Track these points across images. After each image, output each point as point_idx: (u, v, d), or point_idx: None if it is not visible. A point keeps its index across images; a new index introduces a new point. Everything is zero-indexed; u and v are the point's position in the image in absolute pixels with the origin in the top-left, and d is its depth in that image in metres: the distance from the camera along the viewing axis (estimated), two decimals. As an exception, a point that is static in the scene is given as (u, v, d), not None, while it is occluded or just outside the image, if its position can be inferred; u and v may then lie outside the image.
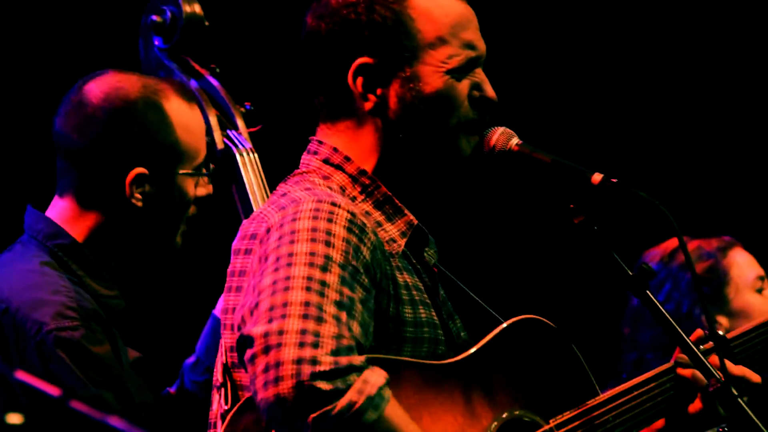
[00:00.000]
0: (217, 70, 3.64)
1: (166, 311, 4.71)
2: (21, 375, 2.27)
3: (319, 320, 2.39)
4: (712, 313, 4.02)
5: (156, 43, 3.60)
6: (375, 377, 2.39)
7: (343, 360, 2.36)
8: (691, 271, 3.97)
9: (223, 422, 2.58)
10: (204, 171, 3.22)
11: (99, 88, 3.16)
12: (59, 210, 3.19)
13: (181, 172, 3.18)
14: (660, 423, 2.86)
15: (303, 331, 2.37)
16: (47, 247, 3.12)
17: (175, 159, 3.17)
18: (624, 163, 5.29)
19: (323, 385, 2.34)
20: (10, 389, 2.53)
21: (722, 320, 4.03)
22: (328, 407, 2.34)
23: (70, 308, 3.00)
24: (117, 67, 3.28)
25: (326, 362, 2.35)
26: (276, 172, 3.02)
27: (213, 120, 3.55)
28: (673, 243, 4.12)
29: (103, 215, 3.16)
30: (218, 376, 2.71)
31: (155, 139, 3.14)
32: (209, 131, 3.52)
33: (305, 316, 2.39)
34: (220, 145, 3.51)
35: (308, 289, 2.42)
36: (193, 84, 3.58)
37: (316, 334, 2.37)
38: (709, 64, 5.59)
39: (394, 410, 2.42)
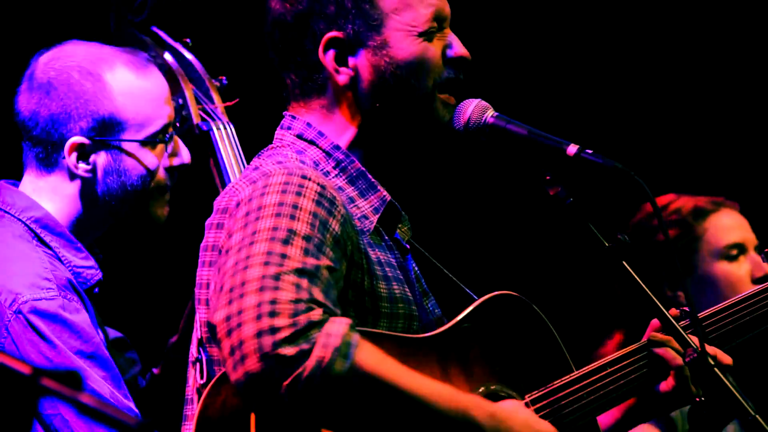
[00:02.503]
0: (191, 43, 3.61)
1: (148, 290, 4.69)
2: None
3: (276, 289, 2.37)
4: (679, 279, 3.97)
5: (128, 16, 3.58)
6: (336, 326, 2.37)
7: (302, 319, 2.34)
8: (665, 239, 3.92)
9: (199, 397, 2.58)
10: (159, 138, 3.18)
11: (43, 60, 3.17)
12: (24, 185, 3.19)
13: (128, 140, 3.15)
14: (631, 401, 2.87)
15: (259, 304, 2.35)
16: (20, 220, 3.11)
17: (117, 128, 3.14)
18: (601, 133, 5.28)
19: (288, 350, 2.32)
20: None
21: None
22: (299, 371, 2.33)
23: (46, 278, 2.99)
24: (88, 40, 3.26)
25: (285, 327, 2.33)
26: (253, 145, 3.00)
27: (189, 94, 3.53)
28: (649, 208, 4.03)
29: (65, 186, 3.15)
30: (193, 350, 2.71)
31: (90, 108, 3.12)
32: (185, 105, 3.50)
33: (261, 289, 2.37)
34: (196, 119, 3.50)
35: (267, 263, 2.40)
36: (168, 58, 3.55)
37: (273, 302, 2.35)
38: (688, 36, 5.58)
39: (366, 351, 2.40)
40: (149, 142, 3.16)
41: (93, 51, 3.17)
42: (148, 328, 4.03)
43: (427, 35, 2.74)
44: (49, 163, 3.15)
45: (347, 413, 2.41)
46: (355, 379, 2.37)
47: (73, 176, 3.14)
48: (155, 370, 3.44)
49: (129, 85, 3.15)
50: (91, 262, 3.15)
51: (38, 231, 3.11)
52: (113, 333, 3.24)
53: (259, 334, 2.33)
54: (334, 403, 2.38)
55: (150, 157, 3.17)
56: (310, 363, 2.33)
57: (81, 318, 2.99)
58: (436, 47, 2.76)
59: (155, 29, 3.62)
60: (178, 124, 3.33)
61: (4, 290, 2.97)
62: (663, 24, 5.59)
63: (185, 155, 3.26)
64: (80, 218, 3.16)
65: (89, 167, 3.13)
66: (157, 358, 3.47)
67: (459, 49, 2.78)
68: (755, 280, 3.93)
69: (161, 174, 3.20)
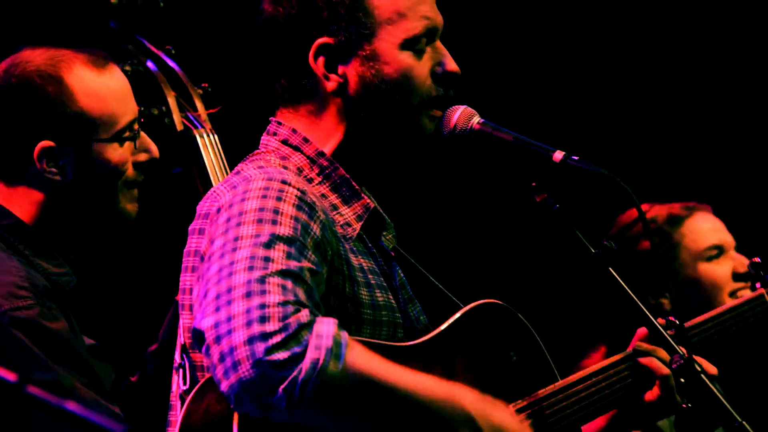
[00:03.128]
0: (173, 51, 3.60)
1: (128, 297, 4.67)
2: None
3: (263, 293, 2.36)
4: (662, 286, 3.98)
5: (111, 24, 3.56)
6: (325, 327, 2.36)
7: (291, 321, 2.33)
8: (650, 246, 3.94)
9: (182, 403, 2.56)
10: (127, 135, 3.16)
11: (2, 66, 3.14)
12: None
13: (96, 140, 3.13)
14: (617, 411, 2.87)
15: (248, 310, 2.35)
16: None
17: (85, 129, 3.11)
18: (586, 139, 5.28)
19: (281, 355, 2.31)
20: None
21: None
22: (294, 374, 2.32)
23: (23, 287, 2.96)
24: (70, 48, 3.24)
25: (276, 332, 2.32)
26: (236, 152, 2.99)
27: (171, 101, 3.52)
28: (631, 214, 4.06)
29: (34, 192, 3.12)
30: (177, 356, 2.69)
31: (55, 112, 3.09)
32: (168, 113, 3.49)
33: (248, 295, 2.36)
34: (179, 127, 3.48)
35: (251, 268, 2.40)
36: (150, 65, 3.54)
37: (262, 307, 2.34)
38: (681, 39, 5.60)
39: (355, 351, 2.40)
40: (117, 139, 3.14)
41: (51, 54, 3.14)
42: (123, 335, 4.02)
43: (417, 50, 2.72)
44: (18, 170, 3.12)
45: (341, 412, 2.40)
46: (348, 378, 2.37)
47: (42, 181, 3.11)
48: (132, 378, 3.42)
49: (92, 84, 3.13)
50: (66, 269, 3.12)
51: (11, 239, 3.08)
52: (87, 341, 3.22)
53: (251, 340, 2.32)
54: (328, 404, 2.37)
55: (119, 155, 3.15)
56: (305, 365, 2.32)
57: (60, 325, 2.97)
58: (425, 63, 2.73)
59: (138, 37, 3.61)
60: (143, 120, 3.31)
61: None
62: (643, 33, 5.60)
63: (153, 150, 3.23)
64: (52, 222, 3.13)
65: (58, 170, 3.11)
66: (133, 366, 3.45)
67: (449, 65, 2.75)
68: (737, 277, 3.95)
69: (130, 171, 3.18)
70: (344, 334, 2.38)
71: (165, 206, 3.54)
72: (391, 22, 2.71)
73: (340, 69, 2.71)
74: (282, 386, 2.31)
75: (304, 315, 2.35)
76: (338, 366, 2.34)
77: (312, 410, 2.35)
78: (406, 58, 2.71)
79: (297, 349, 2.32)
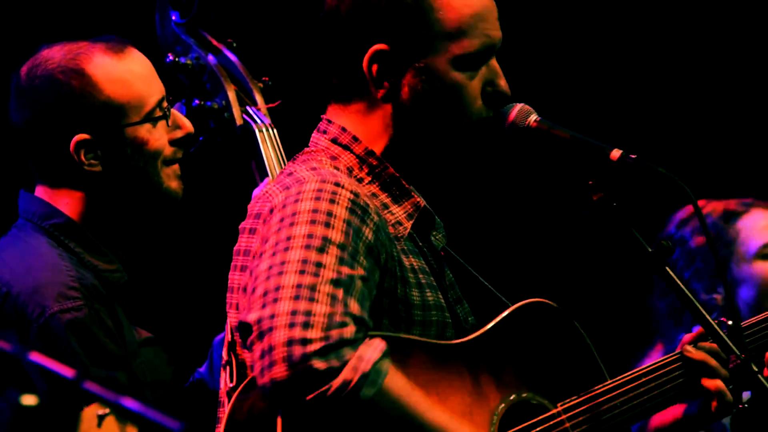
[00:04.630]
0: (234, 44, 3.62)
1: (189, 290, 4.71)
2: (35, 357, 2.27)
3: (311, 300, 2.37)
4: (715, 282, 3.95)
5: (173, 17, 3.58)
6: (370, 351, 2.37)
7: (334, 334, 2.34)
8: (708, 248, 3.90)
9: (229, 400, 2.59)
10: (158, 114, 3.18)
11: (24, 69, 3.16)
12: (40, 194, 3.18)
13: (128, 124, 3.15)
14: (671, 410, 2.85)
15: (293, 312, 2.36)
16: (43, 228, 3.12)
17: (115, 116, 3.13)
18: (644, 138, 5.24)
19: (317, 364, 2.33)
20: (24, 371, 2.54)
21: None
22: (324, 388, 2.33)
23: (72, 288, 2.99)
24: (135, 42, 3.27)
25: (317, 340, 2.33)
26: (296, 147, 3.00)
27: (231, 95, 3.53)
28: (687, 210, 4.03)
29: (77, 189, 3.15)
30: (224, 354, 2.72)
31: (83, 104, 3.11)
32: (228, 107, 3.51)
33: (296, 298, 2.37)
34: (239, 121, 3.50)
35: (302, 272, 2.41)
36: (211, 59, 3.56)
37: (308, 314, 2.35)
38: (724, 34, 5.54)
39: (393, 381, 2.41)
40: (149, 120, 3.16)
41: (69, 48, 3.16)
42: (186, 327, 4.05)
43: (471, 68, 2.70)
44: (59, 170, 3.14)
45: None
46: (380, 405, 2.38)
47: (84, 176, 3.14)
48: (200, 369, 3.45)
49: (114, 71, 3.15)
50: (116, 265, 3.15)
51: (61, 238, 3.11)
52: (143, 333, 3.25)
53: (290, 342, 2.34)
54: (355, 423, 2.38)
55: (154, 135, 3.17)
56: (336, 383, 2.34)
57: (107, 328, 3.00)
58: (477, 83, 2.71)
59: (200, 30, 3.63)
60: (171, 98, 3.32)
61: (31, 302, 2.98)
62: (692, 32, 5.55)
63: (187, 125, 3.25)
64: (100, 217, 3.16)
65: (97, 161, 3.13)
66: (199, 357, 3.48)
67: (501, 86, 2.73)
68: None
69: (168, 149, 3.21)
70: (387, 364, 2.39)
71: (224, 200, 3.56)
72: (450, 37, 2.69)
73: (392, 77, 2.70)
74: (310, 396, 2.34)
75: (349, 331, 2.36)
76: (371, 392, 2.35)
77: (336, 423, 2.37)
78: (459, 76, 2.70)
79: (335, 363, 2.34)
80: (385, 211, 2.69)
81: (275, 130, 3.51)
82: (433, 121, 2.71)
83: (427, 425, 2.45)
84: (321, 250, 2.44)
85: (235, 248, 2.70)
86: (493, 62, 2.74)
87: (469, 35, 2.69)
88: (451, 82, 2.69)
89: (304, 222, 2.48)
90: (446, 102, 2.69)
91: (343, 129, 2.75)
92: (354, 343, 2.36)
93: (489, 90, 2.73)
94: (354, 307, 2.40)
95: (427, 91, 2.69)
